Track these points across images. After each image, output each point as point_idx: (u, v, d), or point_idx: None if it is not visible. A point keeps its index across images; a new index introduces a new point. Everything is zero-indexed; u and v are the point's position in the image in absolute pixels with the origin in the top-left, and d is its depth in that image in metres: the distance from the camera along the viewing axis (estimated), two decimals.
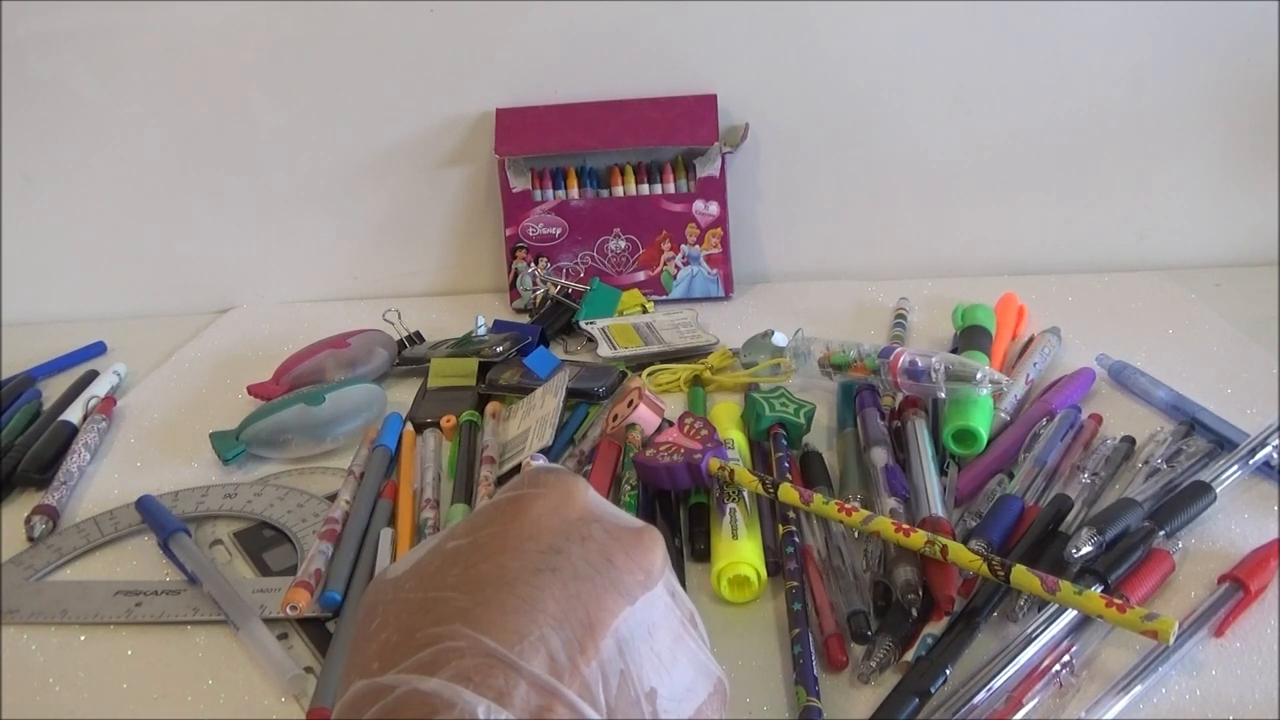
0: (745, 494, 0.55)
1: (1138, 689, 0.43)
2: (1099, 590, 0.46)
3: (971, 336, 0.75)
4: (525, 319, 0.90)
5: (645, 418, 0.63)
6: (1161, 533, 0.51)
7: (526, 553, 0.34)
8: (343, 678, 0.33)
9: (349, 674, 0.33)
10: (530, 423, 0.66)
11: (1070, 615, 0.45)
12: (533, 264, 0.93)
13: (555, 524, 0.35)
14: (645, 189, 0.92)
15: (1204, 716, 0.42)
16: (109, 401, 0.78)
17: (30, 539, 0.60)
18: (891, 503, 0.54)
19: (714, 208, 0.92)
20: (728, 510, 0.54)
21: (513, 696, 0.29)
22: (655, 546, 0.36)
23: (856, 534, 0.54)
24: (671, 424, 0.61)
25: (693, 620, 0.37)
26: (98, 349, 0.92)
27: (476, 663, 0.30)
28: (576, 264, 0.94)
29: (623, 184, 0.92)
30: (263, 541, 0.59)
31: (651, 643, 0.34)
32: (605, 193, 0.92)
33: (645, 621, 0.34)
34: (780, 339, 0.76)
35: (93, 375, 0.83)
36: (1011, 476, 0.58)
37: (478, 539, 0.35)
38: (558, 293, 0.91)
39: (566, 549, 0.34)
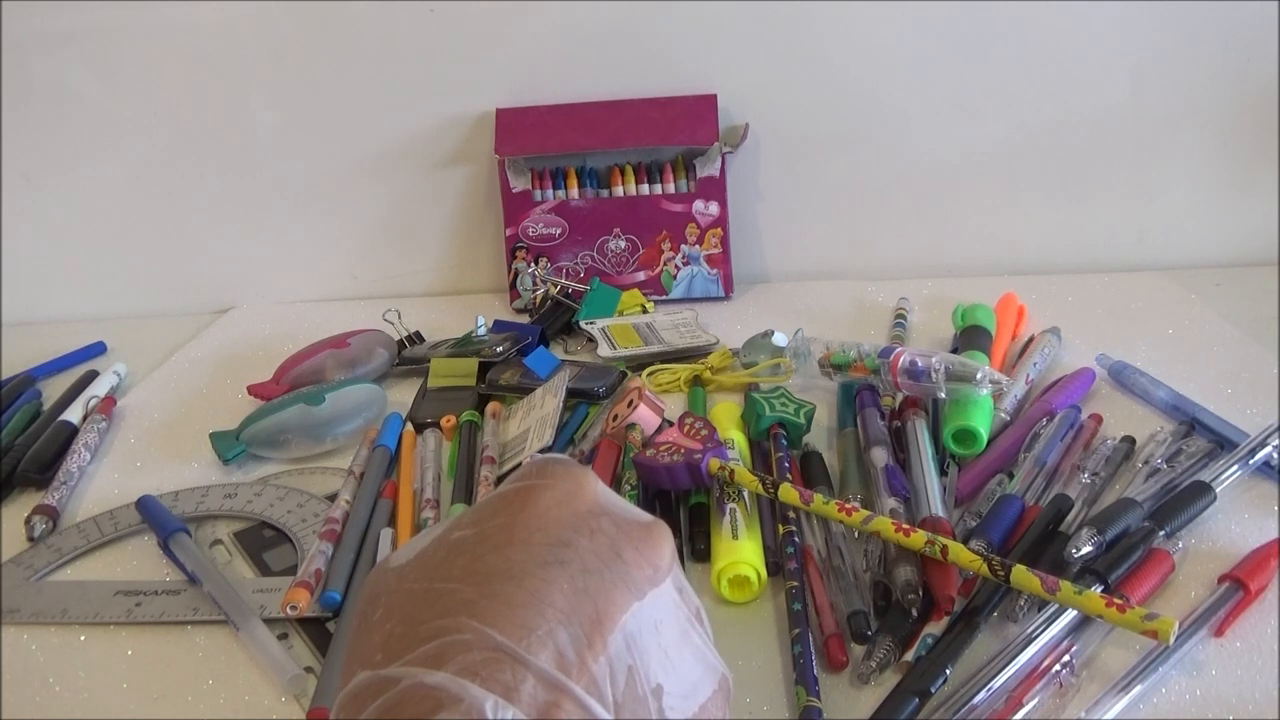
0: (745, 494, 0.55)
1: (1138, 689, 0.43)
2: (1099, 590, 0.46)
3: (971, 336, 0.75)
4: (525, 319, 0.90)
5: (645, 418, 0.63)
6: (1161, 533, 0.51)
7: (534, 545, 0.34)
8: (344, 667, 0.33)
9: (350, 664, 0.32)
10: (530, 423, 0.67)
11: (1070, 615, 0.45)
12: (533, 264, 0.93)
13: (564, 516, 0.35)
14: (645, 189, 0.92)
15: (1204, 716, 0.42)
16: (109, 401, 0.78)
17: (30, 539, 0.60)
18: (891, 503, 0.54)
19: (714, 208, 0.92)
20: (728, 510, 0.54)
21: (520, 692, 0.29)
22: (664, 541, 0.36)
23: (856, 534, 0.54)
24: (671, 424, 0.61)
25: (699, 616, 0.37)
26: (98, 349, 0.92)
27: (483, 657, 0.30)
28: (576, 264, 0.94)
29: (623, 184, 0.92)
30: (263, 541, 0.59)
31: (659, 639, 0.34)
32: (605, 193, 0.92)
33: (653, 617, 0.34)
34: (780, 339, 0.76)
35: (93, 375, 0.83)
36: (1011, 476, 0.58)
37: (484, 530, 0.35)
38: (558, 293, 0.91)
39: (575, 542, 0.34)
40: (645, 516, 0.37)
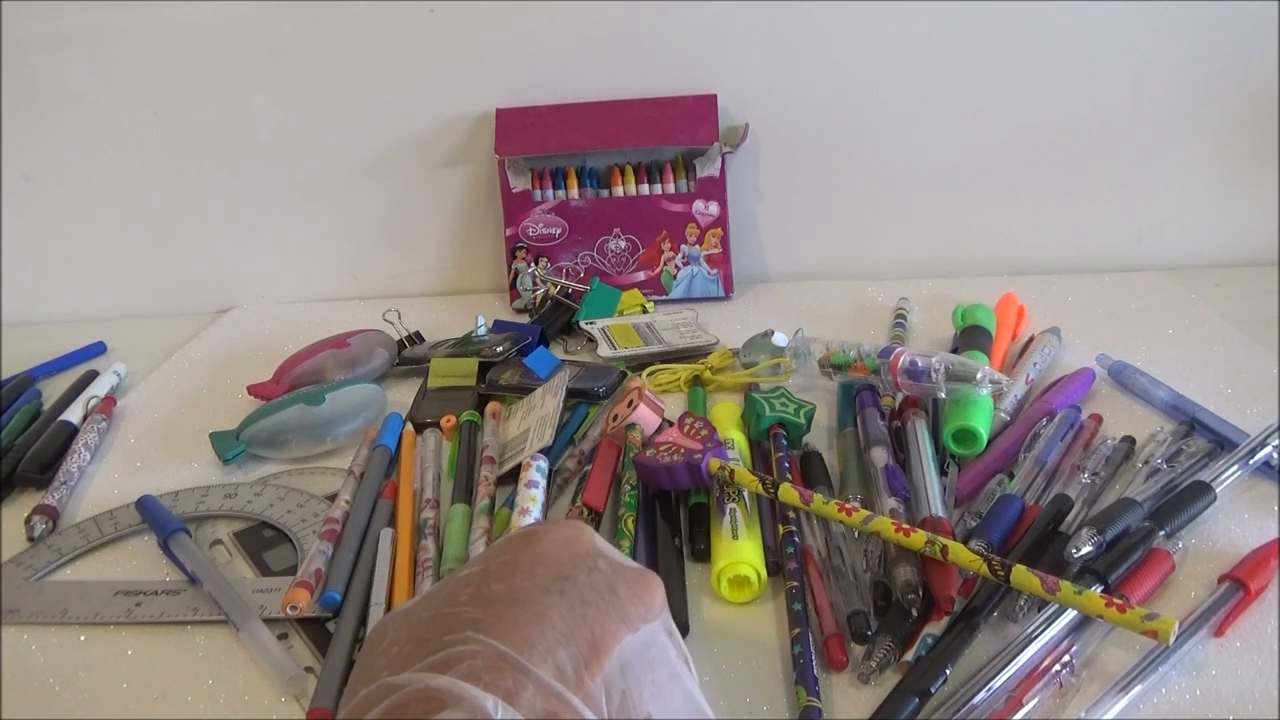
0: (745, 494, 0.55)
1: (1138, 689, 0.43)
2: (1099, 590, 0.46)
3: (971, 336, 0.75)
4: (525, 319, 0.90)
5: (645, 418, 0.63)
6: (1161, 533, 0.51)
7: (537, 577, 0.35)
8: (347, 694, 0.34)
9: (355, 688, 0.33)
10: (530, 423, 0.66)
11: (1070, 615, 0.46)
12: (533, 264, 0.93)
13: (564, 555, 0.37)
14: (645, 189, 0.92)
15: (1204, 716, 0.42)
16: (109, 401, 0.78)
17: (30, 539, 0.60)
18: (891, 503, 0.54)
19: (714, 208, 0.92)
20: (728, 510, 0.54)
21: (521, 698, 0.30)
22: (656, 586, 0.38)
23: (856, 534, 0.54)
24: (671, 424, 0.61)
25: (687, 663, 0.38)
26: (98, 349, 0.92)
27: (487, 663, 0.31)
28: (576, 264, 0.94)
29: (623, 184, 0.92)
30: (263, 541, 0.59)
31: (651, 674, 0.35)
32: (605, 193, 0.92)
33: (645, 652, 0.35)
34: (780, 339, 0.76)
35: (93, 375, 0.83)
36: (1011, 476, 0.58)
37: (489, 565, 0.37)
38: (558, 293, 0.91)
39: (574, 576, 0.36)
40: (638, 565, 0.39)
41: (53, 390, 0.82)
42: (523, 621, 0.33)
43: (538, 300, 0.92)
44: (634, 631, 0.35)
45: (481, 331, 0.82)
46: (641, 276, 0.93)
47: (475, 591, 0.35)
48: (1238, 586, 0.48)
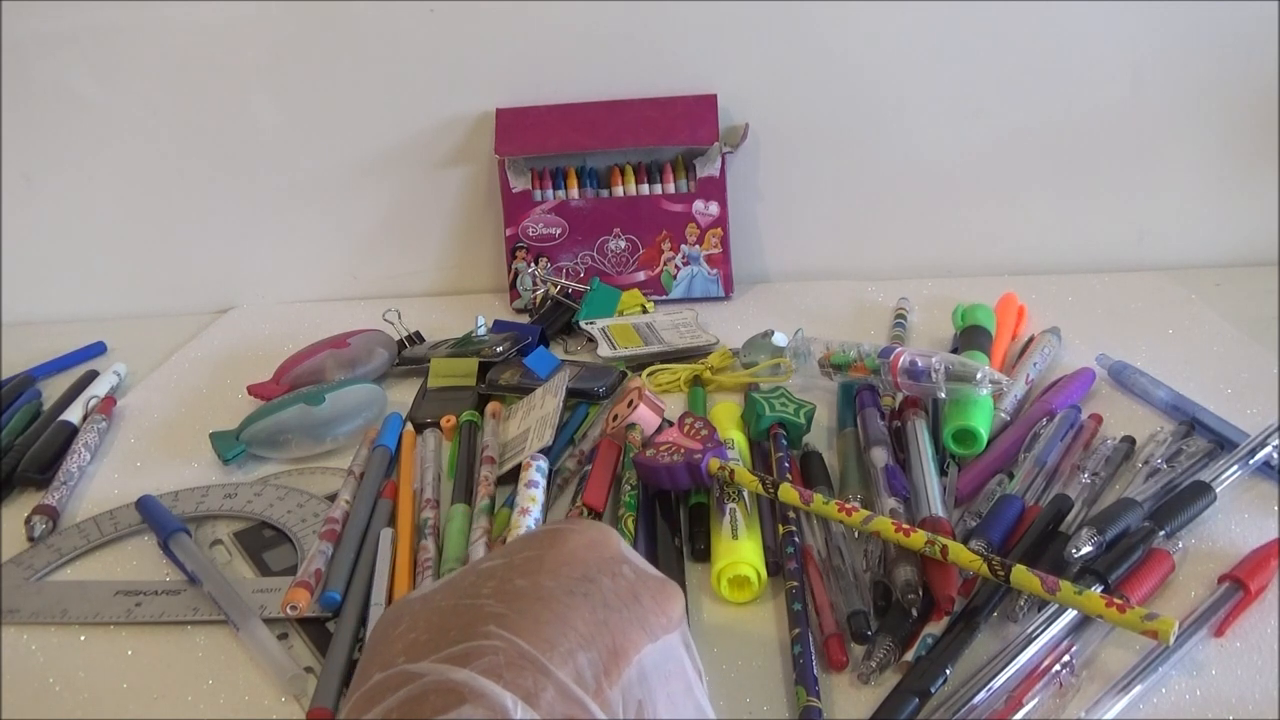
0: (745, 494, 0.55)
1: (1138, 689, 0.43)
2: (1099, 590, 0.46)
3: (971, 336, 0.75)
4: (525, 319, 0.90)
5: (645, 418, 0.63)
6: (1161, 533, 0.51)
7: (561, 576, 0.35)
8: (358, 675, 0.33)
9: (368, 669, 0.33)
10: (530, 423, 0.66)
11: (1070, 615, 0.45)
12: (533, 264, 0.93)
13: (590, 557, 0.37)
14: (645, 189, 0.92)
15: (1204, 716, 0.42)
16: (109, 401, 0.78)
17: (30, 539, 0.60)
18: (891, 503, 0.54)
19: (714, 208, 0.92)
20: (728, 510, 0.54)
21: (540, 699, 0.30)
22: (677, 597, 0.38)
23: (856, 534, 0.54)
24: (671, 424, 0.61)
25: (700, 677, 0.38)
26: (98, 349, 0.92)
27: (508, 661, 0.31)
28: (576, 264, 0.94)
29: (623, 184, 0.92)
30: (263, 541, 0.59)
31: (667, 686, 0.35)
32: (605, 193, 0.92)
33: (663, 664, 0.35)
34: (780, 339, 0.76)
35: (93, 375, 0.83)
36: (1011, 476, 0.58)
37: (514, 560, 0.37)
38: (558, 293, 0.91)
39: (599, 580, 0.36)
40: (660, 574, 0.39)
41: (53, 390, 0.82)
42: (545, 621, 0.33)
43: (538, 300, 0.92)
44: (654, 641, 0.35)
45: (481, 331, 0.82)
46: (641, 276, 0.93)
47: (499, 585, 0.35)
48: (1238, 586, 0.48)
